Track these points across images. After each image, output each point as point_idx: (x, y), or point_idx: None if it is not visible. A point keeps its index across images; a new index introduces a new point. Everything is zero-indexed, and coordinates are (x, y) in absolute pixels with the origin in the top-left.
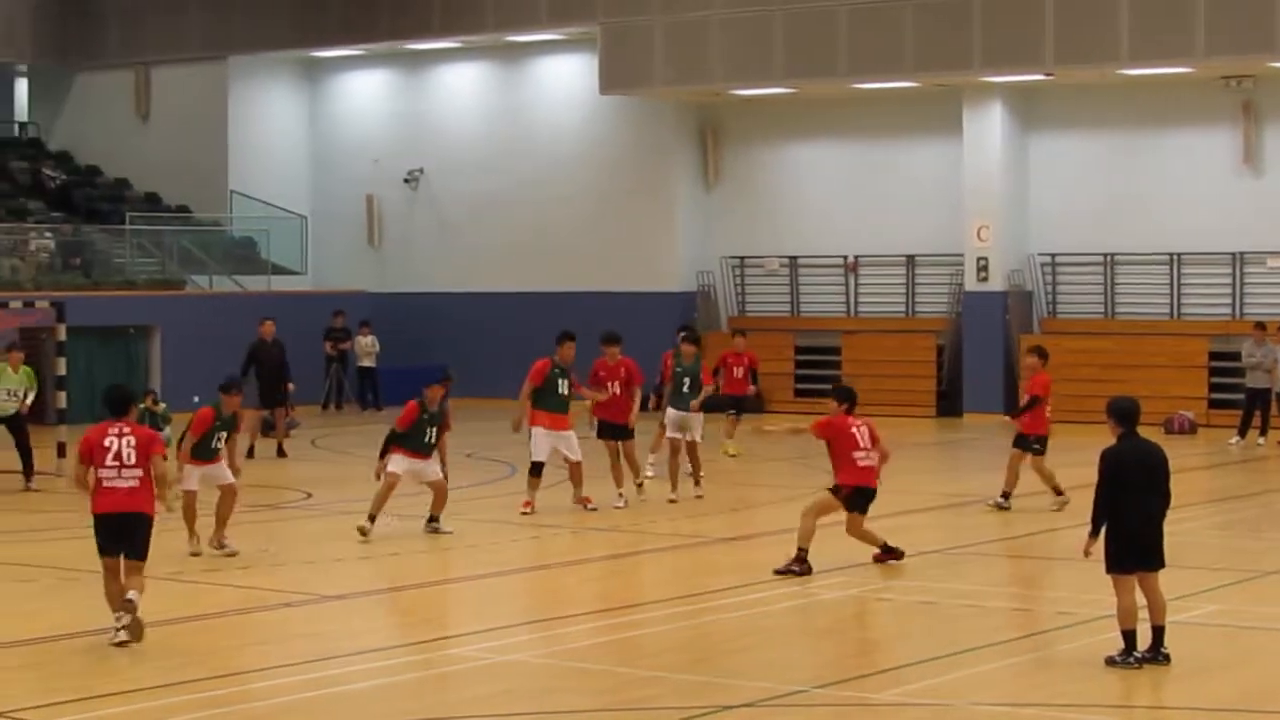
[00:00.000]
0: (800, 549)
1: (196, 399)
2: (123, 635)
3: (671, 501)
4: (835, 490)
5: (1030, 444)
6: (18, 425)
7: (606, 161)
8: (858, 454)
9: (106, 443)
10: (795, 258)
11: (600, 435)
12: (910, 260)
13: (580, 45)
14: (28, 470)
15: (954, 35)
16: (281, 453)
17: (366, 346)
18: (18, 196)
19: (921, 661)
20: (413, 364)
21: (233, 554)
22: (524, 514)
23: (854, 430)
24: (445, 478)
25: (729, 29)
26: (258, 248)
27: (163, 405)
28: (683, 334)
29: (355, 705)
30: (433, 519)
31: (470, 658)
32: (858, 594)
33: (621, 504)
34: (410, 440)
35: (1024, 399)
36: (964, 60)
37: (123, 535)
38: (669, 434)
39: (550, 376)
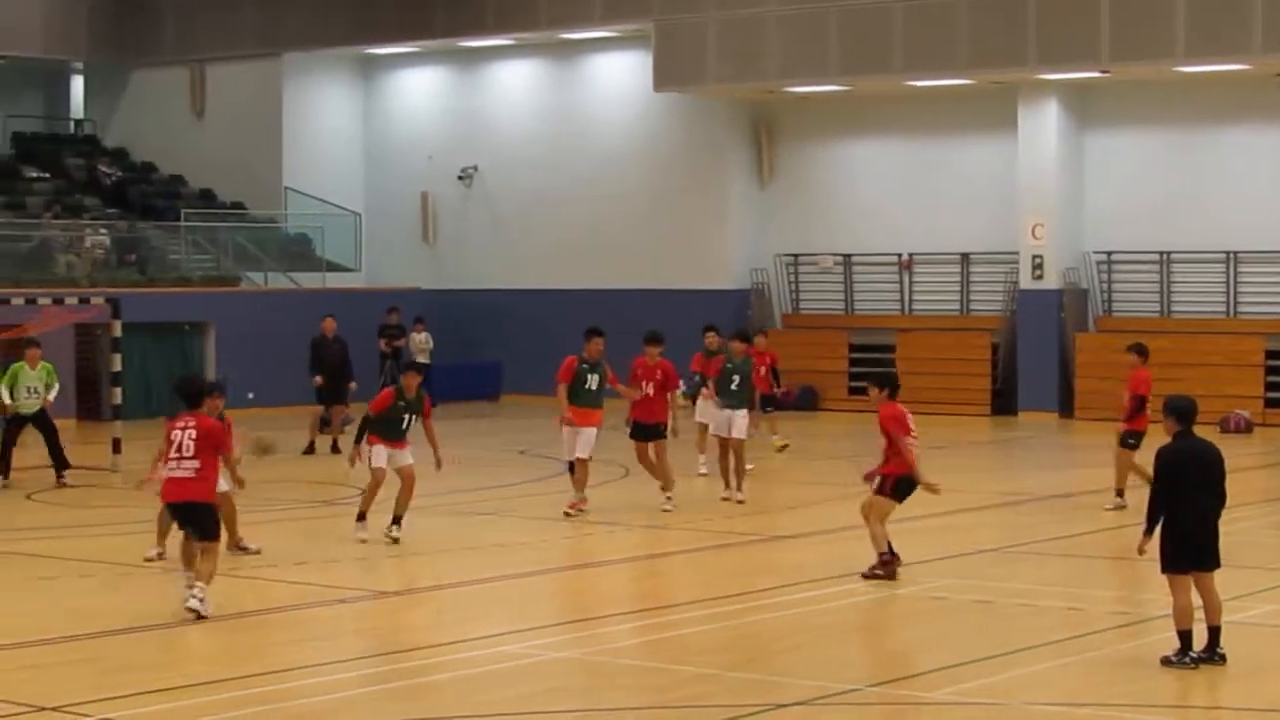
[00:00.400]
0: (880, 553)
1: (251, 395)
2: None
3: (725, 500)
4: (881, 484)
5: (1125, 439)
6: (43, 422)
7: (660, 159)
8: (911, 440)
9: (173, 436)
10: (849, 255)
11: (632, 435)
12: (965, 258)
13: (634, 42)
14: (59, 466)
15: (1009, 32)
16: (336, 449)
17: (420, 343)
18: (74, 193)
19: (975, 660)
20: (466, 360)
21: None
22: (569, 515)
23: (907, 417)
24: (438, 462)
25: (783, 26)
26: (312, 244)
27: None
28: (709, 331)
29: (405, 702)
30: (395, 520)
31: (519, 655)
32: (911, 592)
33: (670, 507)
34: (388, 428)
35: (1126, 399)
36: (1019, 57)
37: (187, 520)
38: (713, 431)
39: (579, 372)
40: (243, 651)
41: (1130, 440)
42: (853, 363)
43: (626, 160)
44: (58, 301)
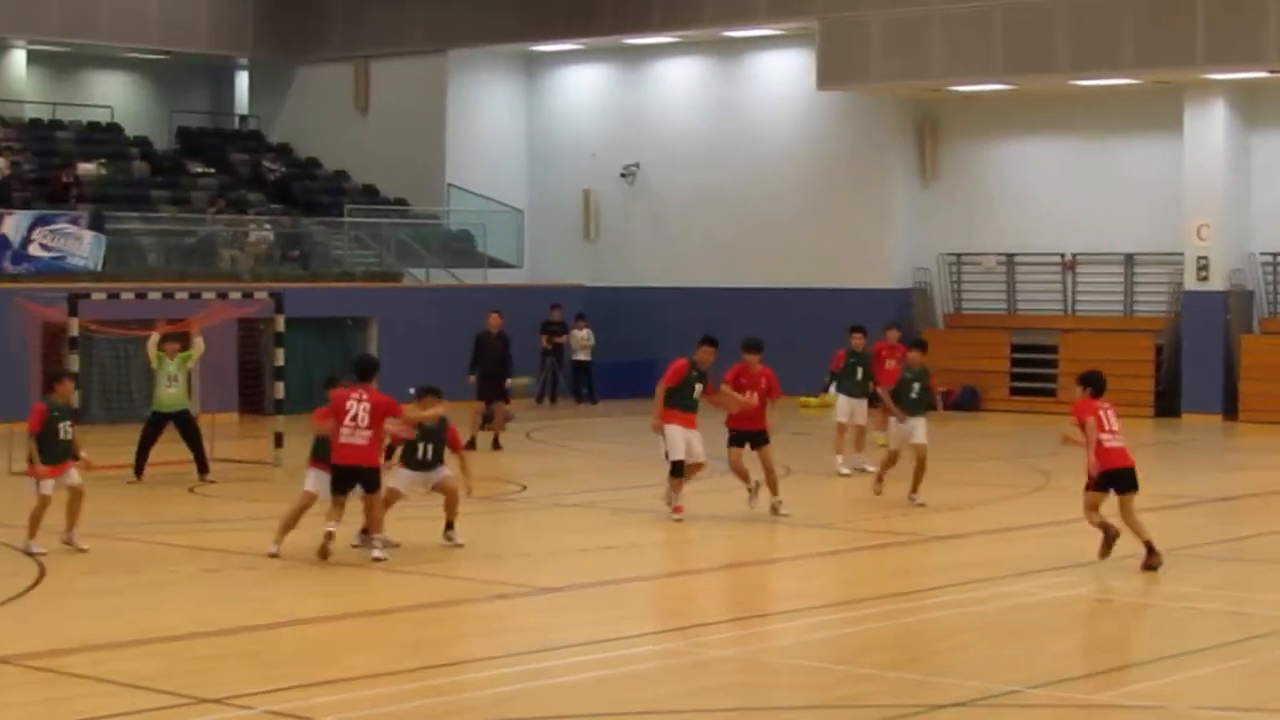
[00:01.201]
0: (1144, 541)
1: (412, 390)
2: (331, 527)
3: (912, 503)
4: (1089, 483)
5: None
6: (186, 422)
7: (822, 157)
8: (1104, 436)
9: (348, 405)
10: (1012, 255)
11: (731, 443)
12: (1129, 258)
13: (798, 40)
14: (201, 464)
15: (1176, 32)
16: (497, 445)
17: (582, 340)
18: (238, 189)
19: (1139, 664)
20: (626, 357)
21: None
22: (678, 520)
23: (1101, 413)
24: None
25: (948, 24)
26: (474, 241)
27: None
28: (856, 331)
29: (568, 698)
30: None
31: (684, 652)
32: (1075, 595)
33: (786, 510)
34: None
35: None
36: (1186, 57)
37: (353, 481)
38: (894, 445)
39: (687, 378)
40: (404, 645)
41: None
42: (1014, 363)
43: (789, 158)
44: (221, 296)
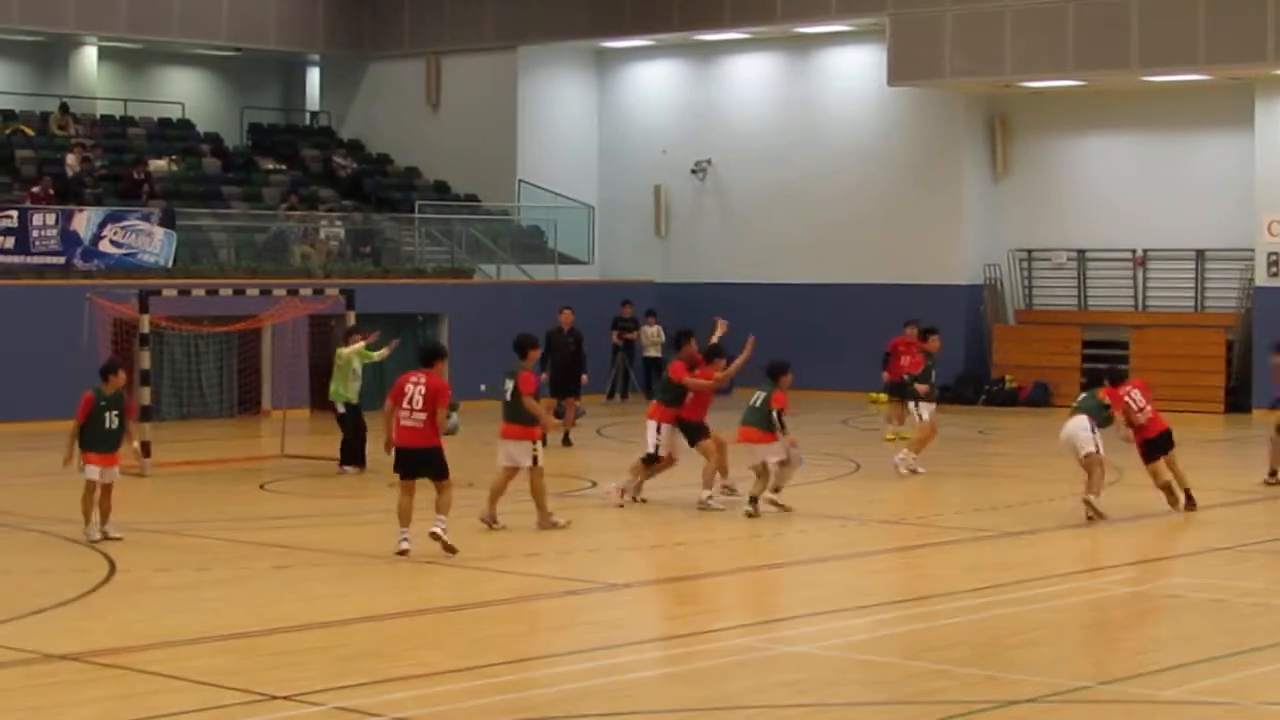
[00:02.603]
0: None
1: (483, 387)
2: (404, 545)
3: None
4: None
5: None
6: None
7: (894, 153)
8: (1138, 415)
9: (406, 389)
10: (1083, 251)
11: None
12: (1200, 254)
13: (869, 36)
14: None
15: (1247, 27)
16: (567, 441)
17: (652, 336)
18: (310, 184)
19: (1209, 659)
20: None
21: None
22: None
23: (1127, 397)
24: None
25: (1020, 19)
26: (545, 237)
27: (451, 393)
28: (933, 334)
29: (640, 693)
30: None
31: (755, 648)
32: (1145, 590)
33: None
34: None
35: None
36: (1257, 52)
37: (416, 464)
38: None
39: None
40: (475, 641)
41: None
42: (1085, 359)
43: (860, 154)
44: (293, 293)
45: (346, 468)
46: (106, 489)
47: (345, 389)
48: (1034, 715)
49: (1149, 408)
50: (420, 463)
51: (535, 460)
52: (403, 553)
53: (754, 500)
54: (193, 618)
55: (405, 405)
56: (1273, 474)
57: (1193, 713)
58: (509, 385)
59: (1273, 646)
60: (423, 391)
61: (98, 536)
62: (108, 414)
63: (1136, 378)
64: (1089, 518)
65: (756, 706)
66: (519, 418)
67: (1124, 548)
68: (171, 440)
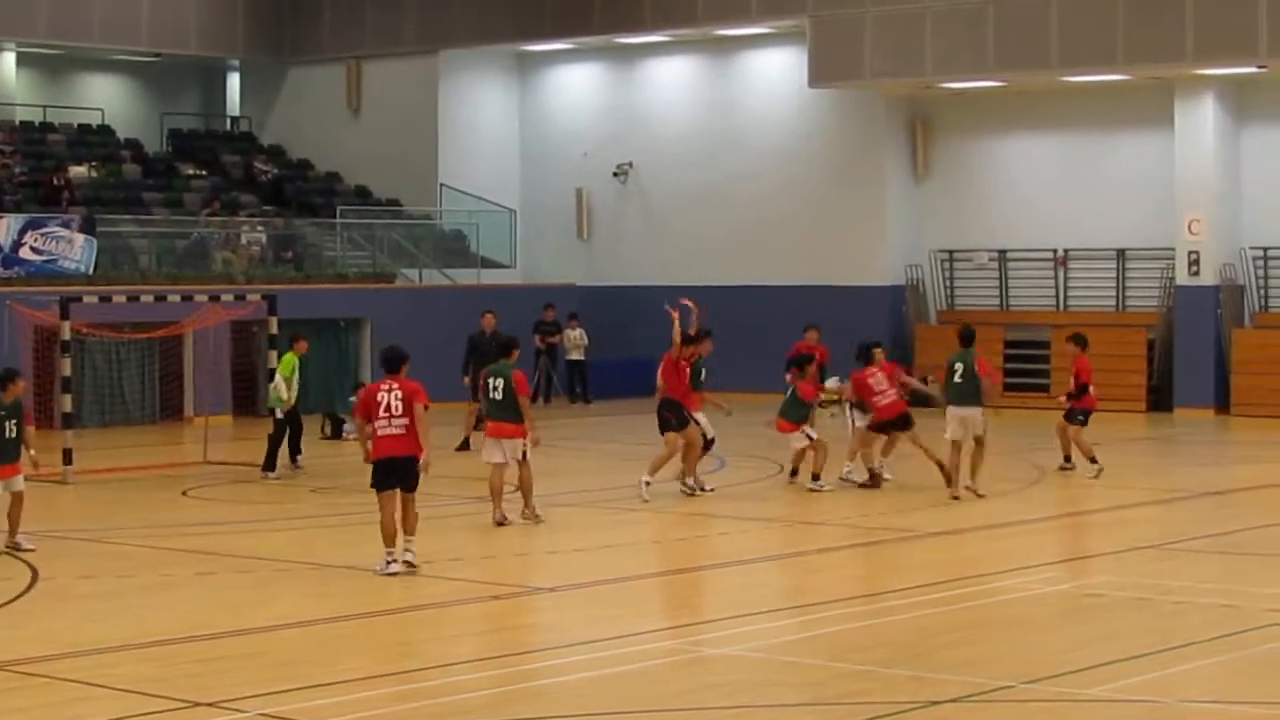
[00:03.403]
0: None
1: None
2: (394, 568)
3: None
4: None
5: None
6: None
7: (815, 155)
8: (877, 399)
9: (379, 398)
10: (1004, 251)
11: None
12: (1121, 254)
13: (789, 38)
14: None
15: (1166, 27)
16: (465, 446)
17: (575, 339)
18: (231, 190)
19: (1132, 658)
20: (621, 357)
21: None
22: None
23: (870, 380)
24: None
25: (940, 20)
26: (467, 241)
27: None
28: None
29: (569, 696)
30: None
31: (682, 650)
32: (1068, 589)
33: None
34: None
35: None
36: (1177, 52)
37: (395, 474)
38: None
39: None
40: (399, 647)
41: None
42: (1007, 359)
43: (781, 156)
44: (214, 298)
45: (269, 474)
46: (18, 501)
47: (289, 394)
48: (958, 715)
49: (892, 391)
50: (404, 472)
51: (524, 455)
52: (391, 574)
53: (816, 478)
54: (116, 625)
55: (383, 414)
56: (1067, 459)
57: (1116, 711)
58: (498, 384)
59: (1195, 644)
60: (399, 397)
61: (1, 548)
62: (6, 423)
63: (885, 363)
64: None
65: (686, 709)
66: (512, 416)
67: (1048, 547)
68: (94, 447)
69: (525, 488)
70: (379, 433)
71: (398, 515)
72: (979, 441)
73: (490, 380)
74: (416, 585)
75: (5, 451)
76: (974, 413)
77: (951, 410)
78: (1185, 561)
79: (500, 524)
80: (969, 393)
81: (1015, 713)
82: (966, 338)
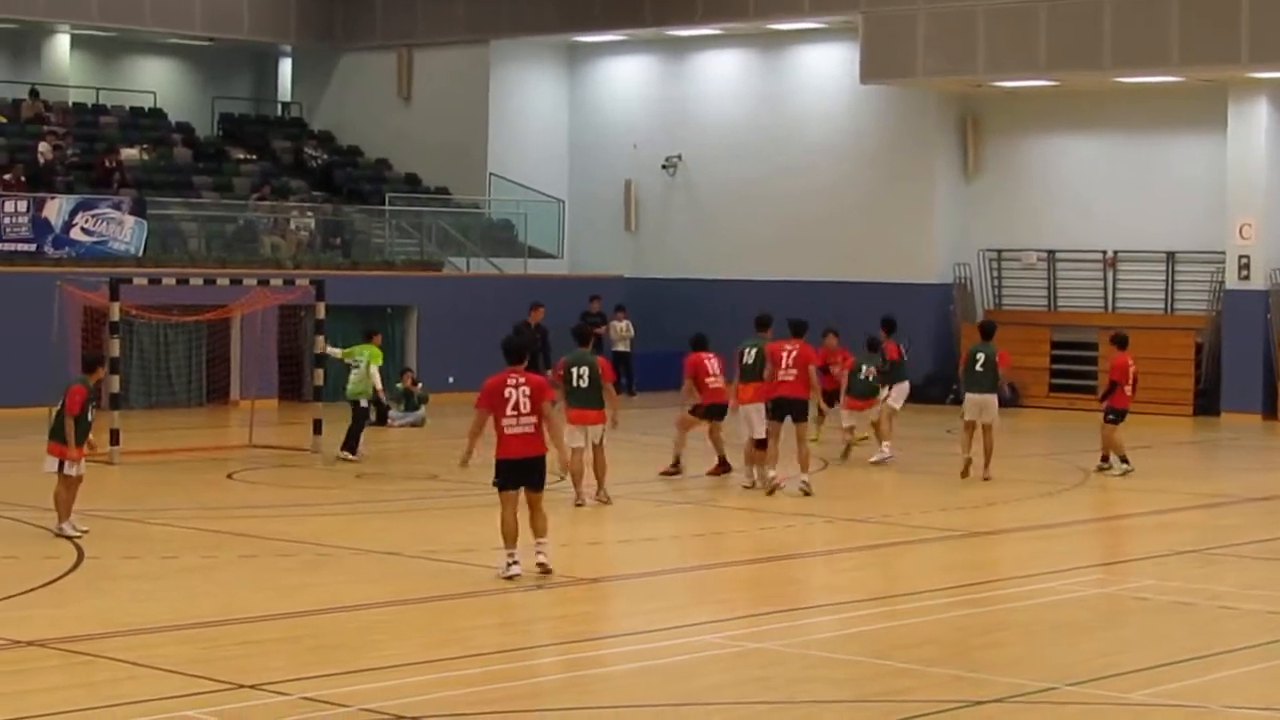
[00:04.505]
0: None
1: (451, 379)
2: (516, 570)
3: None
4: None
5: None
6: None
7: (865, 151)
8: (709, 380)
9: (506, 393)
10: (1053, 251)
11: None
12: (1170, 256)
13: (841, 34)
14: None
15: (1221, 30)
16: None
17: (621, 331)
18: (280, 175)
19: (1175, 662)
20: (666, 349)
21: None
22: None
23: (707, 361)
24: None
25: (993, 19)
26: (515, 231)
27: (420, 385)
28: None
29: (609, 688)
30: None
31: (723, 644)
32: (1113, 592)
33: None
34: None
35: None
36: (1231, 54)
37: (523, 474)
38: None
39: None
40: (442, 634)
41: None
42: (1054, 360)
43: (831, 152)
44: (263, 283)
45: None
46: (77, 483)
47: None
48: (1001, 716)
49: (719, 378)
50: (531, 471)
51: (603, 440)
52: (512, 577)
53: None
54: (159, 606)
55: (511, 411)
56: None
57: (1158, 715)
58: (583, 372)
59: (1239, 650)
60: (526, 393)
61: (75, 532)
62: (89, 407)
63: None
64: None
65: (725, 703)
66: (595, 402)
67: (1091, 550)
68: (140, 429)
69: (601, 471)
70: (506, 431)
71: (522, 515)
72: (988, 428)
73: (574, 368)
74: (459, 573)
75: (86, 434)
76: (990, 399)
77: (970, 396)
78: (1229, 567)
79: (579, 506)
80: (987, 381)
81: (1058, 715)
82: (988, 330)
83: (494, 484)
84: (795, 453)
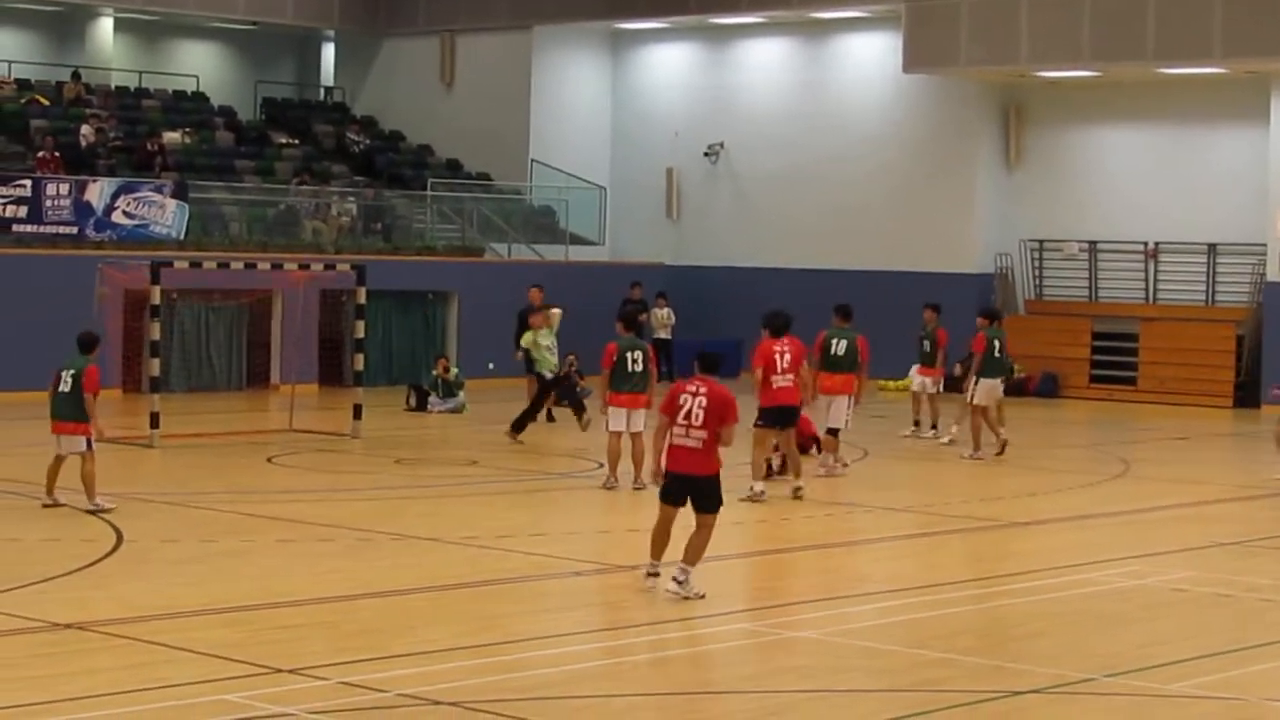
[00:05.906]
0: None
1: (491, 365)
2: (651, 582)
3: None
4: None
5: None
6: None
7: (907, 140)
8: (775, 378)
9: (681, 400)
10: (1095, 242)
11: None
12: (1212, 248)
13: (884, 23)
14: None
15: (1264, 21)
16: (550, 418)
17: (662, 318)
18: (322, 160)
19: (1214, 654)
20: (707, 337)
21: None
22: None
23: (775, 355)
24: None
25: (1036, 9)
26: (556, 217)
27: (455, 371)
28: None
29: (642, 676)
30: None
31: (759, 633)
32: (1151, 584)
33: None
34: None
35: None
36: (1274, 46)
37: (686, 491)
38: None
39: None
40: (479, 620)
41: None
42: (1095, 350)
43: (873, 141)
44: (304, 267)
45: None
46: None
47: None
48: (1039, 706)
49: (788, 375)
50: (691, 491)
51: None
52: (653, 574)
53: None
54: (198, 589)
55: (681, 420)
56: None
57: (1197, 707)
58: (637, 357)
59: (1278, 642)
60: (703, 404)
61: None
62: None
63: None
64: None
65: (760, 691)
66: (644, 387)
67: (1130, 541)
68: (180, 412)
69: (638, 457)
70: (673, 441)
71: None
72: (1000, 409)
73: (629, 353)
74: (497, 560)
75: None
76: (999, 383)
77: (984, 381)
78: (1269, 559)
79: (609, 489)
80: (1001, 367)
81: (1098, 706)
82: (997, 315)
83: (660, 497)
84: (783, 458)
